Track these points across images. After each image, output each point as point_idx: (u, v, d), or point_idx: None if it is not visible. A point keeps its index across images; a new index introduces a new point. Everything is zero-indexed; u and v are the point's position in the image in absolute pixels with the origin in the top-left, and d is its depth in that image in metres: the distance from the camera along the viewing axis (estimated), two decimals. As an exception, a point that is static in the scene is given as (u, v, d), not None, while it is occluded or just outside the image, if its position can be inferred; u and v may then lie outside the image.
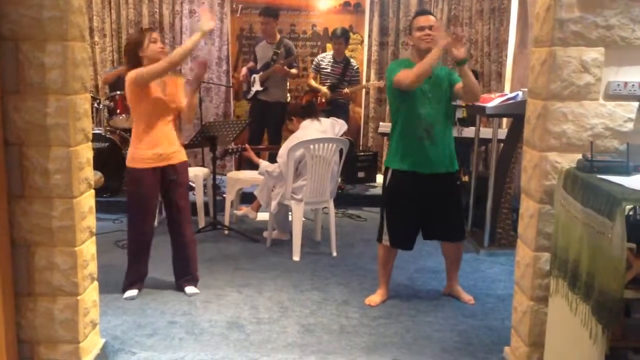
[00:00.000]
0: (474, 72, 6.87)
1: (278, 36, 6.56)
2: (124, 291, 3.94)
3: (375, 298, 3.92)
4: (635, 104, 2.60)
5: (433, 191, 3.73)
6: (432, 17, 3.69)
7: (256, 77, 6.50)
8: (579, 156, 2.58)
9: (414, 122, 3.66)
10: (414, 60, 3.67)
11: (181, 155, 3.96)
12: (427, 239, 3.97)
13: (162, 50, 3.76)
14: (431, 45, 3.54)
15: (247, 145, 5.26)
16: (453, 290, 4.02)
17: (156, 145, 3.81)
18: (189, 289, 4.00)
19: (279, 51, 6.45)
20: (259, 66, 6.56)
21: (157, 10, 7.54)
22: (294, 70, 6.53)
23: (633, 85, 2.58)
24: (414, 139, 3.67)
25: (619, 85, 2.58)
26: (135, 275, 3.98)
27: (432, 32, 3.59)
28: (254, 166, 5.17)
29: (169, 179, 3.87)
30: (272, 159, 5.38)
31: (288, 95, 6.80)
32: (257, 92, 6.52)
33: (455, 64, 3.52)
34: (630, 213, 2.26)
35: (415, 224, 3.85)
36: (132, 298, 3.89)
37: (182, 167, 3.94)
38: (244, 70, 6.74)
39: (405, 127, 3.71)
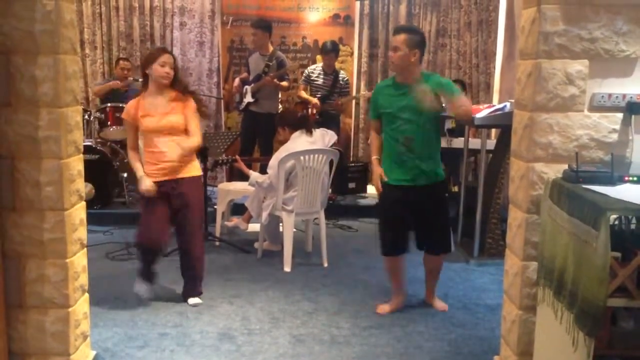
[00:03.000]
0: (462, 83, 6.97)
1: (271, 48, 6.59)
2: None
3: (385, 306, 3.98)
4: (620, 115, 2.65)
5: (418, 202, 3.77)
6: (399, 37, 3.69)
7: (248, 88, 6.53)
8: (565, 166, 2.63)
9: (394, 137, 3.73)
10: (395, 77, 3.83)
11: (189, 170, 3.97)
12: (419, 248, 4.00)
13: (167, 76, 3.82)
14: (392, 68, 3.81)
15: (237, 157, 5.28)
16: (429, 299, 4.09)
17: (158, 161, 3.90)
18: (191, 300, 4.05)
19: (271, 63, 6.49)
20: (251, 77, 6.59)
21: (148, 23, 7.57)
22: (284, 83, 6.55)
23: (617, 96, 2.63)
24: (395, 154, 3.75)
25: (603, 96, 2.63)
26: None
27: (391, 54, 3.72)
28: (245, 177, 5.18)
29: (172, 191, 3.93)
30: (263, 170, 5.39)
31: (280, 106, 6.83)
32: (248, 103, 6.54)
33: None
34: (616, 222, 2.31)
35: (404, 231, 3.87)
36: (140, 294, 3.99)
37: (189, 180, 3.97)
38: (236, 81, 6.76)
39: (386, 142, 3.80)
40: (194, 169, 4.00)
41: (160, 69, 3.79)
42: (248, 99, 6.52)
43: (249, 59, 6.70)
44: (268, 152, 6.39)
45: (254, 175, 4.98)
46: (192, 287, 4.08)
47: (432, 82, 3.73)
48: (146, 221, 3.88)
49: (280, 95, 6.83)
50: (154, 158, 3.86)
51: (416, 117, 3.66)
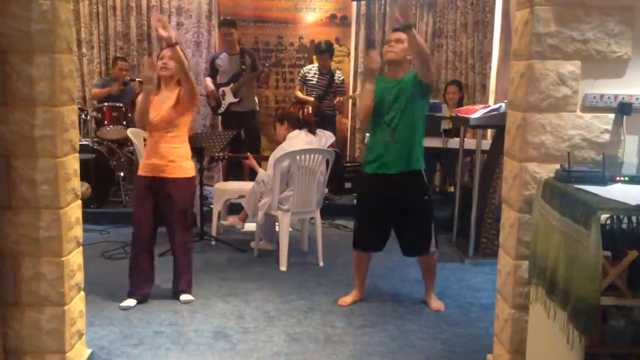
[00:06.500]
0: (458, 83, 6.99)
1: (238, 47, 6.63)
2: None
3: (346, 298, 4.08)
4: (611, 115, 2.67)
5: (396, 191, 3.81)
6: (402, 34, 3.73)
7: (226, 90, 6.49)
8: (557, 166, 2.65)
9: (380, 129, 3.81)
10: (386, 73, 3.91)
11: (175, 171, 3.90)
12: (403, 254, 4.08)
13: (164, 67, 3.90)
14: (388, 59, 3.80)
15: (249, 154, 5.30)
16: (426, 298, 4.12)
17: (146, 156, 3.95)
18: (182, 297, 4.07)
19: (245, 60, 6.50)
20: (225, 79, 6.56)
21: (145, 22, 7.57)
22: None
23: (609, 97, 2.65)
24: (379, 143, 3.82)
25: (595, 97, 2.65)
26: (132, 285, 4.00)
27: (393, 45, 3.74)
28: (240, 177, 5.20)
29: (160, 190, 3.93)
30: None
31: (257, 103, 6.87)
32: (230, 104, 6.52)
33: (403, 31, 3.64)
34: (607, 222, 2.32)
35: (381, 226, 3.93)
36: (124, 308, 3.89)
37: (175, 182, 3.91)
38: (211, 85, 6.63)
39: (373, 134, 3.91)
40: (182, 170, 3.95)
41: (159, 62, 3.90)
42: (229, 99, 6.49)
43: (216, 60, 6.65)
44: (257, 149, 6.44)
45: (262, 173, 4.99)
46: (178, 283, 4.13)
47: (409, 76, 3.84)
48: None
49: (256, 96, 6.86)
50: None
51: (402, 109, 3.74)
